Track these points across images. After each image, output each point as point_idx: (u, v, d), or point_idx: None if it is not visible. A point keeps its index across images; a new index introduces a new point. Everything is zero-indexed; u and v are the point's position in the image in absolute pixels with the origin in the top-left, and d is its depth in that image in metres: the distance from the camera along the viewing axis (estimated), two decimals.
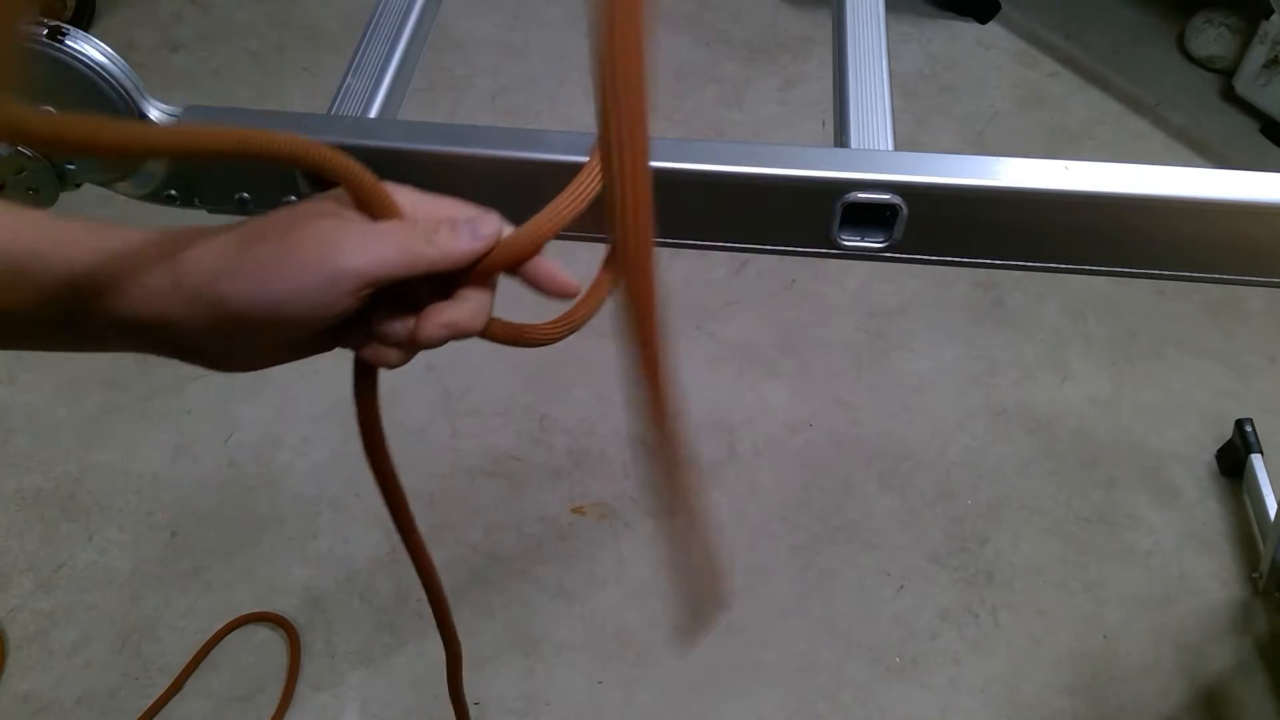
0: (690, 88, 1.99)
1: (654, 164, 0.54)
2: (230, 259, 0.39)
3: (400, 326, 0.42)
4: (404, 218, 0.42)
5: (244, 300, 0.38)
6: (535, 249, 0.43)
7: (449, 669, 0.69)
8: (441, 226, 0.41)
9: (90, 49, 0.53)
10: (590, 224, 0.57)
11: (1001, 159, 0.53)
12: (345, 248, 0.39)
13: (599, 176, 0.43)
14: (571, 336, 0.47)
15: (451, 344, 0.43)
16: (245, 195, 0.59)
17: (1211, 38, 1.99)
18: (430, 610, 0.61)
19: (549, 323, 0.45)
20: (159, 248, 0.39)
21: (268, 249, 0.39)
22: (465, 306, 0.42)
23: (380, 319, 0.42)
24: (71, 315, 0.38)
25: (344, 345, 0.44)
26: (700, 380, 1.55)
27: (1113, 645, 1.31)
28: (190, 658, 1.27)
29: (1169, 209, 0.53)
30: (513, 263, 0.43)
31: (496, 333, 0.45)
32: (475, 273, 0.42)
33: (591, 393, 1.53)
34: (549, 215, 0.43)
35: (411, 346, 0.43)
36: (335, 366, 0.50)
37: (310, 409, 1.49)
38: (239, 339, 0.40)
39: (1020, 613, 1.33)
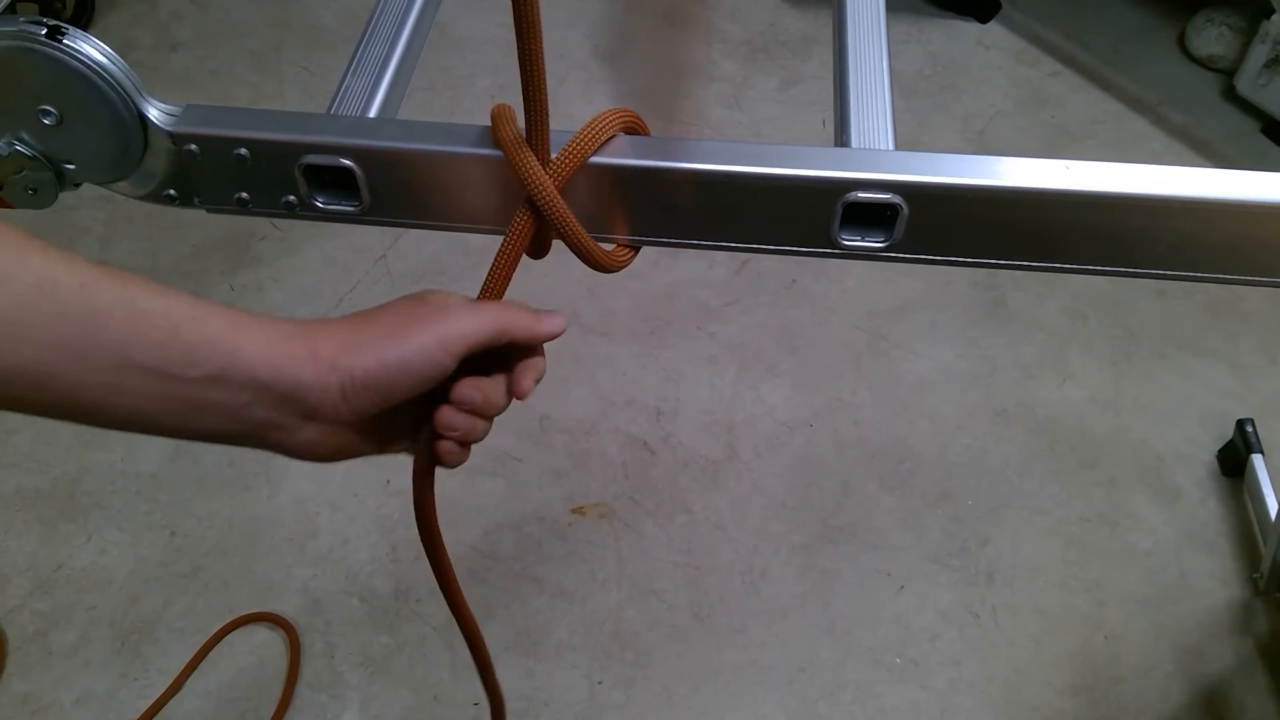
0: (690, 88, 1.99)
1: (654, 164, 0.54)
2: (357, 333, 0.47)
3: (473, 392, 0.51)
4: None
5: (372, 364, 0.46)
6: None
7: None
8: (540, 312, 0.53)
9: (89, 48, 0.53)
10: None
11: (1002, 159, 0.53)
12: (455, 316, 0.49)
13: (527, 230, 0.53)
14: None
15: None
16: (244, 195, 0.59)
17: (1212, 37, 1.99)
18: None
19: None
20: (294, 325, 0.46)
21: (390, 321, 0.48)
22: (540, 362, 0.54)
23: (457, 396, 0.51)
24: (220, 375, 0.43)
25: (415, 449, 0.54)
26: (700, 380, 1.55)
27: (1113, 645, 1.31)
28: (190, 658, 1.27)
29: (1169, 209, 0.53)
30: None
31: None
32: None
33: (591, 392, 1.53)
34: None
35: (485, 414, 0.52)
36: None
37: None
38: (353, 403, 0.47)
39: (1020, 613, 1.33)
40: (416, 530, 0.58)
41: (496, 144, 0.53)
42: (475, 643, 0.67)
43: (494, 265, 0.54)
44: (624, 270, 0.59)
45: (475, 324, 0.49)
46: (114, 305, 0.40)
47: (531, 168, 0.52)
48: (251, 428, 0.46)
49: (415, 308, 0.49)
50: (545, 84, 0.50)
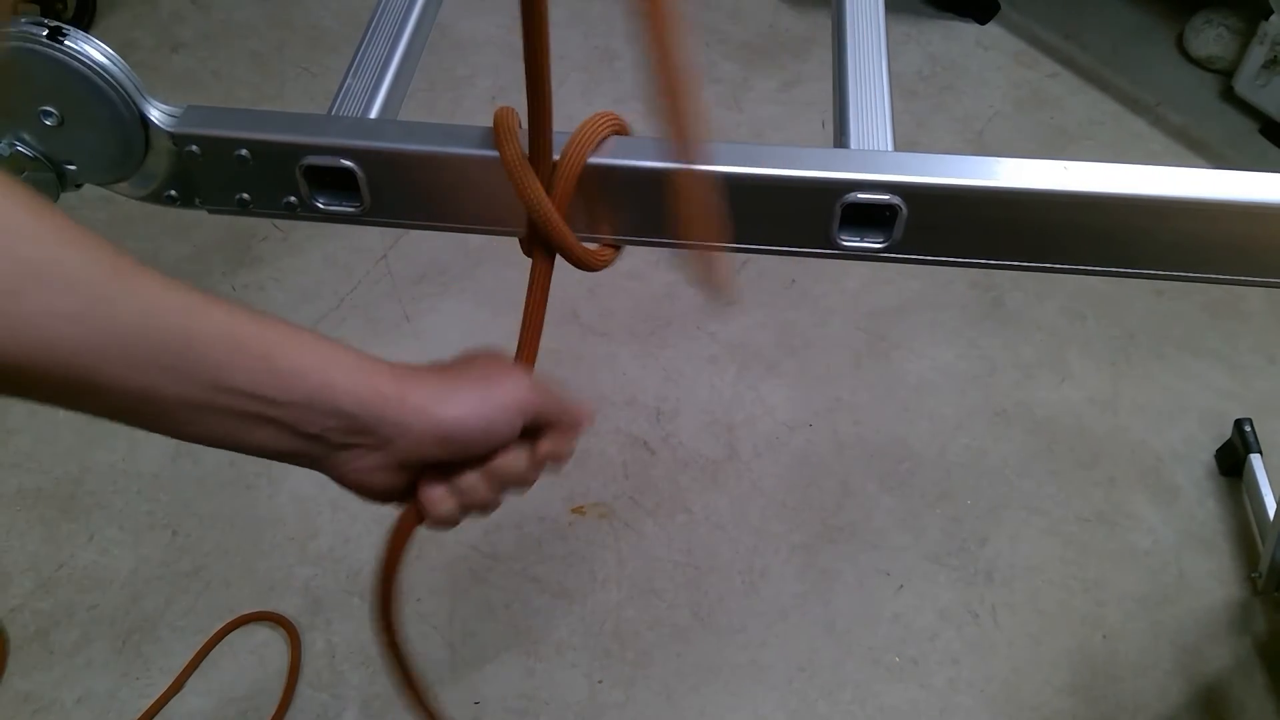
0: None
1: (654, 165, 0.54)
2: (446, 387, 0.49)
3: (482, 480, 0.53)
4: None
5: (464, 414, 0.49)
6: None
7: None
8: (579, 405, 0.56)
9: (90, 49, 0.53)
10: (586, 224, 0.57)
11: (1001, 159, 0.54)
12: (525, 385, 0.52)
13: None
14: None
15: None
16: (245, 196, 0.59)
17: (1211, 38, 1.99)
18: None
19: None
20: (385, 365, 0.49)
21: (476, 381, 0.51)
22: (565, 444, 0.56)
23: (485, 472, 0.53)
24: (308, 402, 0.45)
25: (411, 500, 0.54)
26: (700, 380, 1.55)
27: (1112, 645, 1.31)
28: (191, 657, 1.28)
29: (1168, 209, 0.53)
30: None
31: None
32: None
33: (591, 393, 1.53)
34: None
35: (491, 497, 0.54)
36: None
37: None
38: (426, 450, 0.49)
39: (1020, 612, 1.34)
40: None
41: (501, 162, 0.53)
42: (405, 673, 0.65)
43: (526, 319, 0.56)
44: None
45: (539, 397, 0.53)
46: (215, 332, 0.43)
47: (536, 194, 0.52)
48: (321, 451, 0.48)
49: (493, 371, 0.52)
50: (550, 91, 0.50)
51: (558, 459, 0.55)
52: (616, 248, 0.59)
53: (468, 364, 0.52)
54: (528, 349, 0.58)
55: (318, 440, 0.47)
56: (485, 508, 0.54)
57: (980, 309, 1.65)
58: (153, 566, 1.36)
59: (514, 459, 0.53)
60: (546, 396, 0.53)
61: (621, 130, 0.55)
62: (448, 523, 0.53)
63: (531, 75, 0.49)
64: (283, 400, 0.44)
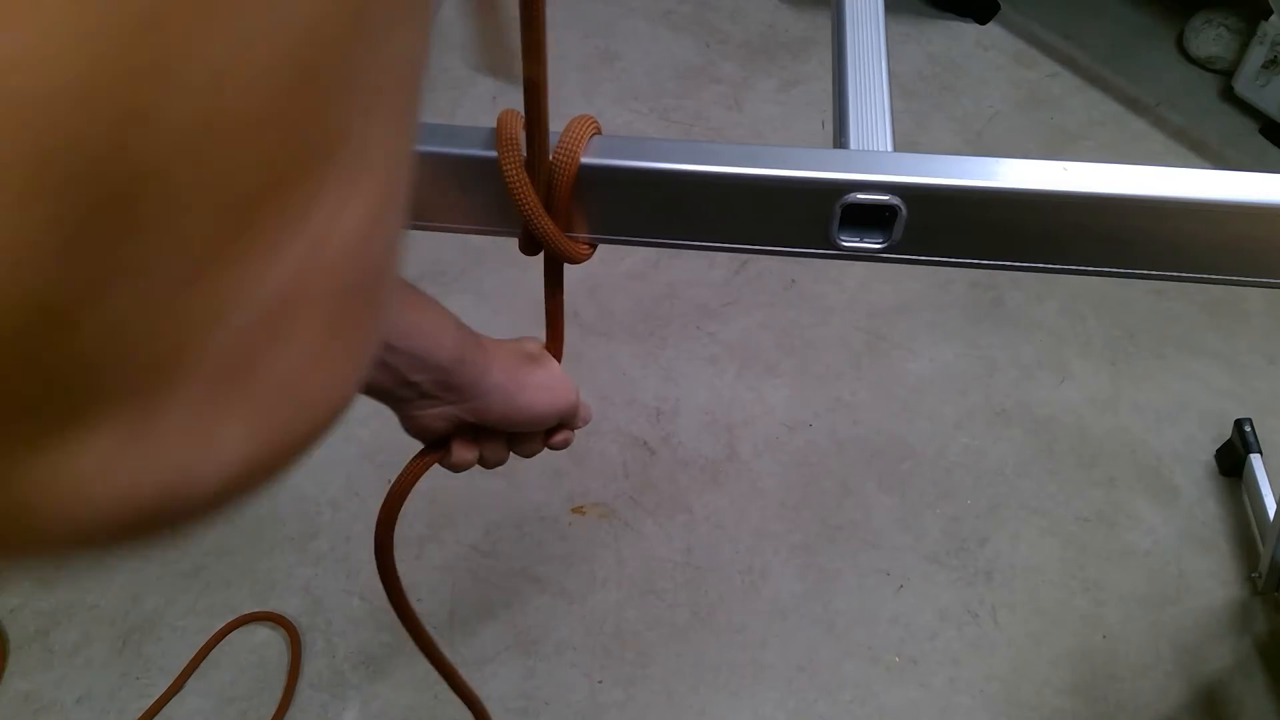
0: (690, 88, 1.99)
1: (655, 165, 0.54)
2: (524, 379, 0.59)
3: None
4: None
5: (524, 408, 0.59)
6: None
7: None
8: (587, 407, 0.66)
9: None
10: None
11: (1000, 160, 0.53)
12: (571, 395, 0.62)
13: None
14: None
15: None
16: None
17: (1211, 38, 1.99)
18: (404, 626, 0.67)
19: None
20: (480, 339, 0.56)
21: (545, 385, 0.60)
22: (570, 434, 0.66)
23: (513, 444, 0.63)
24: (419, 355, 0.52)
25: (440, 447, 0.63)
26: (700, 380, 1.55)
27: (1112, 645, 1.31)
28: (191, 657, 1.28)
29: (1168, 209, 0.53)
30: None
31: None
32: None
33: (591, 393, 1.53)
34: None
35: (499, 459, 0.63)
36: None
37: None
38: (480, 416, 0.57)
39: (1020, 612, 1.34)
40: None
41: (500, 174, 0.53)
42: (419, 636, 0.73)
43: (550, 319, 0.63)
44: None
45: (575, 408, 0.63)
46: None
47: (535, 209, 0.54)
48: (409, 395, 0.55)
49: (556, 379, 0.61)
50: (546, 97, 0.51)
51: (564, 447, 0.65)
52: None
53: (535, 359, 0.61)
54: (555, 346, 0.64)
55: (412, 387, 0.53)
56: (494, 465, 0.62)
57: (980, 309, 1.65)
58: (153, 566, 1.36)
59: (536, 443, 0.63)
60: (577, 404, 0.63)
61: (598, 130, 0.56)
62: (463, 469, 0.61)
63: (530, 81, 0.50)
64: (402, 349, 0.51)
